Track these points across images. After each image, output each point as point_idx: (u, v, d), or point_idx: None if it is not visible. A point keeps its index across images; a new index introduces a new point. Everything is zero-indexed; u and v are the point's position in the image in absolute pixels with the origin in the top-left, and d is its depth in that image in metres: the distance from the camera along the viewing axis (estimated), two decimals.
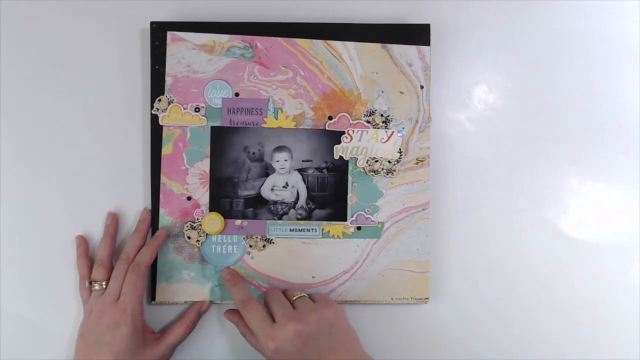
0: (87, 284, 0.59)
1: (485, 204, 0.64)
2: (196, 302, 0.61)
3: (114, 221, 0.61)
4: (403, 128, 0.61)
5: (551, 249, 0.64)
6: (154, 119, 0.61)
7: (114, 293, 0.57)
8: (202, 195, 0.61)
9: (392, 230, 0.62)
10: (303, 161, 0.61)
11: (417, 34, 0.61)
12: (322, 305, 0.56)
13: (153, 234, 0.61)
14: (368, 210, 0.62)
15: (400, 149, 0.61)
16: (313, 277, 0.61)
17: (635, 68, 0.65)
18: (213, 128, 0.61)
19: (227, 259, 0.61)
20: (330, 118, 0.61)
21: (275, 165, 0.61)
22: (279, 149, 0.61)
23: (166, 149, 0.61)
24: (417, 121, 0.62)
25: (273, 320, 0.55)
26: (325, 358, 0.53)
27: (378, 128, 0.61)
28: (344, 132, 0.61)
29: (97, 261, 0.59)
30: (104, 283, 0.58)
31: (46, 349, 0.62)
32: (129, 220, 0.62)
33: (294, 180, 0.61)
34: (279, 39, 0.61)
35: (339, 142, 0.61)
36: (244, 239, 0.61)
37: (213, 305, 0.62)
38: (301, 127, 0.61)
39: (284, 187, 0.61)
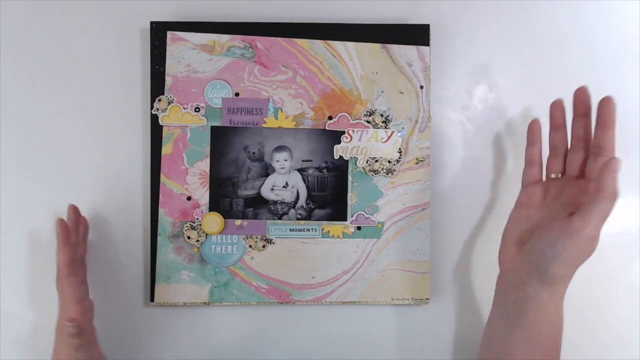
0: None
1: (485, 204, 0.64)
2: None
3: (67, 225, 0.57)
4: (403, 128, 0.61)
5: None
6: (154, 118, 0.61)
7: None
8: (202, 195, 0.61)
9: (392, 230, 0.62)
10: (303, 161, 0.61)
11: (417, 34, 0.61)
12: None
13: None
14: (368, 210, 0.61)
15: (400, 149, 0.61)
16: (313, 278, 0.61)
17: (635, 68, 0.65)
18: (213, 128, 0.61)
19: (227, 259, 0.61)
20: (330, 118, 0.61)
21: (275, 165, 0.61)
22: (279, 148, 0.61)
23: (166, 149, 0.61)
24: (417, 121, 0.62)
25: None
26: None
27: (378, 128, 0.61)
28: (344, 132, 0.61)
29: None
30: None
31: (47, 349, 0.61)
32: (128, 219, 0.62)
33: (294, 180, 0.61)
34: (279, 39, 0.61)
35: (339, 142, 0.61)
36: (243, 239, 0.61)
37: (213, 306, 0.62)
38: (301, 127, 0.61)
39: (284, 187, 0.61)
